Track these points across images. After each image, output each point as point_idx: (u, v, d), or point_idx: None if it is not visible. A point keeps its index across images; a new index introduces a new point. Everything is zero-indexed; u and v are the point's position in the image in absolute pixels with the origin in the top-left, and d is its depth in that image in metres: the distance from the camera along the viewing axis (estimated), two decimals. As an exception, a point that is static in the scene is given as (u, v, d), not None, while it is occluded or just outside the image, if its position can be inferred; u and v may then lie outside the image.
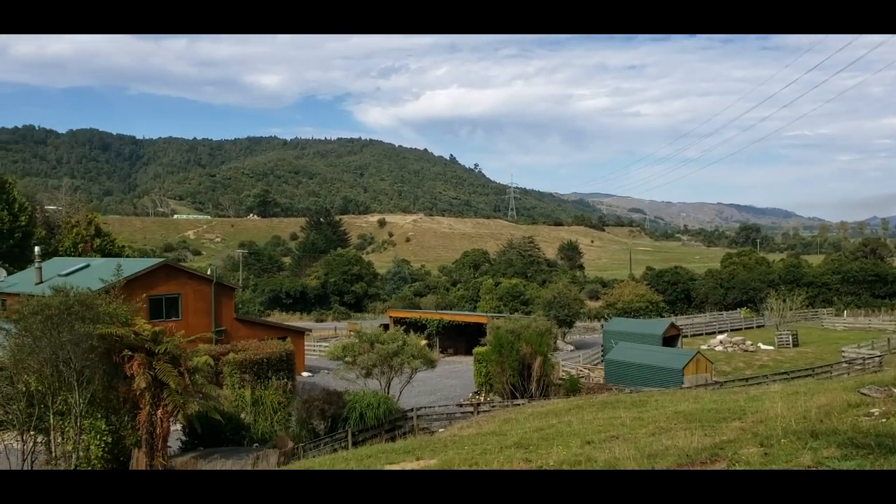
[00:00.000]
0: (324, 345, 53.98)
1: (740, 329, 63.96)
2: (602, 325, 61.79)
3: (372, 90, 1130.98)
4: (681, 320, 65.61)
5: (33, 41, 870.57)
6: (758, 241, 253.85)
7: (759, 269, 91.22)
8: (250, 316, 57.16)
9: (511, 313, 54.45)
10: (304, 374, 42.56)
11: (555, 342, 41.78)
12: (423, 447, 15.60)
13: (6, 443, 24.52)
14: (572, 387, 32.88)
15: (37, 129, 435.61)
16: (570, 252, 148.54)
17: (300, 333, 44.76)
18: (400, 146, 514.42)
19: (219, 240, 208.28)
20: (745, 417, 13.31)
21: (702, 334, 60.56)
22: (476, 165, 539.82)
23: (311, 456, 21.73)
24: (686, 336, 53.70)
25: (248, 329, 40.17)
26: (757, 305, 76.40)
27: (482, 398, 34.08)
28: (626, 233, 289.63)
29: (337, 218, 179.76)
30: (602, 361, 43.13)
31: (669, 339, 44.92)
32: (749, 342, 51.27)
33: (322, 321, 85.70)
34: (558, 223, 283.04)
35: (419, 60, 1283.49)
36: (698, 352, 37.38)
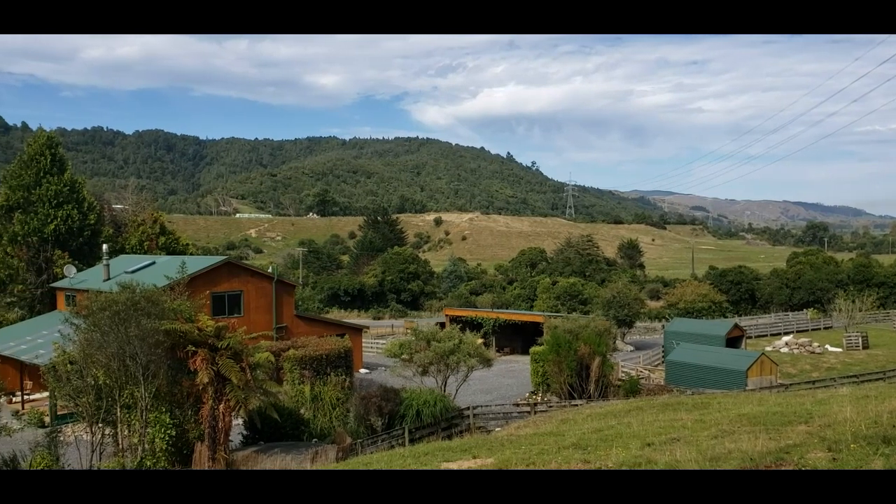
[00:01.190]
0: (381, 342, 54.40)
1: (807, 330, 62.04)
2: (663, 326, 60.81)
3: (429, 89, 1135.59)
4: (745, 321, 64.04)
5: (103, 44, 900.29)
6: (825, 239, 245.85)
7: (826, 269, 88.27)
8: (309, 313, 57.98)
9: (569, 313, 53.91)
10: (362, 370, 42.98)
11: (614, 342, 41.24)
12: (479, 446, 15.54)
13: (76, 434, 25.44)
14: (632, 388, 32.36)
15: (105, 130, 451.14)
16: (630, 251, 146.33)
17: (358, 331, 45.21)
18: (457, 145, 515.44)
19: (279, 238, 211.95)
20: (811, 421, 12.89)
21: (766, 336, 58.98)
22: (533, 163, 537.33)
23: (368, 452, 21.90)
24: (750, 337, 52.37)
25: (307, 326, 40.76)
26: (824, 306, 74.16)
27: (539, 398, 33.85)
28: (688, 231, 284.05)
29: (394, 217, 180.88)
30: (663, 362, 42.44)
31: (733, 341, 43.90)
32: (816, 344, 49.71)
33: (379, 319, 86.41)
34: (618, 221, 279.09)
35: (477, 58, 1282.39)
36: (763, 353, 36.39)
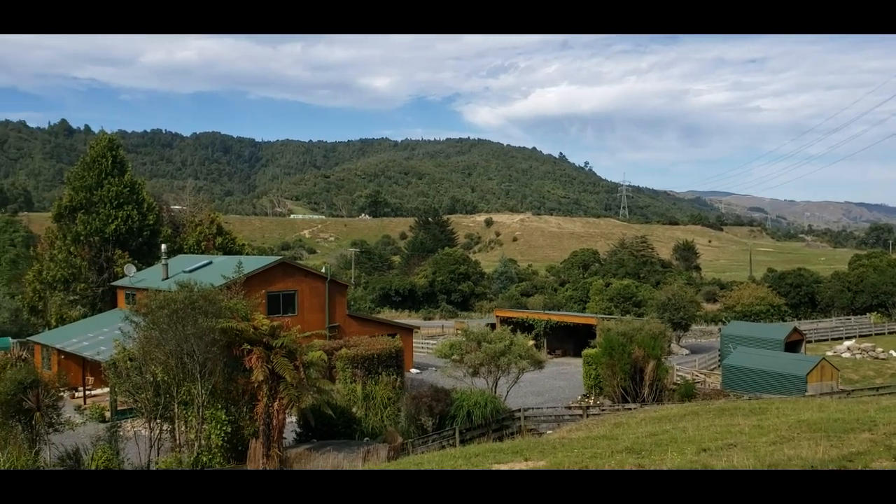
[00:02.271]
0: (431, 342, 54.52)
1: (870, 335, 60.05)
2: (719, 329, 59.60)
3: (481, 90, 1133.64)
4: (804, 325, 62.34)
5: (162, 48, 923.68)
6: (890, 241, 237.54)
7: (891, 272, 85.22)
8: (361, 313, 58.47)
9: (622, 315, 53.21)
10: (413, 370, 43.13)
11: (669, 346, 40.54)
12: (531, 448, 15.43)
13: (135, 429, 26.11)
14: (687, 392, 31.77)
15: (164, 132, 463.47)
16: (686, 252, 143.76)
17: (409, 331, 45.39)
18: (508, 145, 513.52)
19: (332, 239, 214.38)
20: (875, 429, 12.47)
21: (827, 340, 57.32)
22: (586, 163, 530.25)
23: (419, 452, 21.95)
24: (810, 341, 50.98)
25: (359, 325, 41.09)
26: (889, 310, 71.77)
27: (591, 401, 33.50)
28: (745, 232, 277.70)
29: (445, 217, 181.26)
30: (719, 366, 41.62)
31: (792, 345, 42.77)
32: (880, 349, 48.07)
33: (430, 319, 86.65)
34: (673, 222, 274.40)
35: (529, 59, 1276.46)
36: (823, 358, 35.37)
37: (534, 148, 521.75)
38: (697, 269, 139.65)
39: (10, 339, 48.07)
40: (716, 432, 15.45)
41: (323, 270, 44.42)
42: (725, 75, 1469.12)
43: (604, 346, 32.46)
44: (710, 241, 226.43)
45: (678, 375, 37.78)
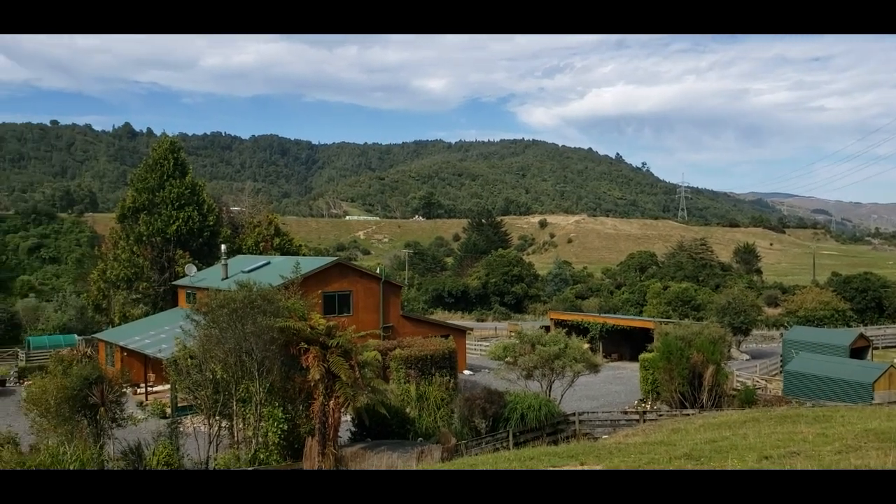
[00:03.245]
0: (484, 344, 54.41)
1: (942, 342, 57.71)
2: (781, 334, 58.08)
3: (535, 90, 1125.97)
4: (871, 331, 60.15)
5: (220, 52, 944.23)
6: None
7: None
8: (415, 314, 58.73)
9: (680, 319, 52.27)
10: (466, 372, 43.11)
11: (728, 351, 39.61)
12: (586, 453, 15.24)
13: (195, 426, 26.68)
14: (747, 398, 30.98)
15: (223, 135, 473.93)
16: (747, 255, 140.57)
17: (462, 332, 45.39)
18: (563, 146, 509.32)
19: (386, 240, 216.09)
20: (951, 440, 11.94)
21: (895, 347, 55.30)
22: (644, 164, 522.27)
23: (472, 453, 21.90)
24: (877, 348, 49.25)
25: (413, 326, 41.27)
26: (963, 317, 68.79)
27: (648, 406, 32.96)
28: (809, 235, 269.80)
29: (498, 219, 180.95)
30: (781, 372, 40.55)
31: (857, 351, 41.36)
32: (953, 357, 46.09)
33: (482, 321, 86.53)
34: (733, 224, 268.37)
35: (584, 59, 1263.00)
36: (892, 365, 34.05)
37: (590, 148, 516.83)
38: (758, 272, 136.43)
39: (76, 336, 49.71)
40: (778, 440, 15.04)
41: (377, 271, 44.74)
42: (787, 74, 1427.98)
43: (661, 351, 31.89)
44: (771, 244, 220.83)
45: (738, 381, 36.91)
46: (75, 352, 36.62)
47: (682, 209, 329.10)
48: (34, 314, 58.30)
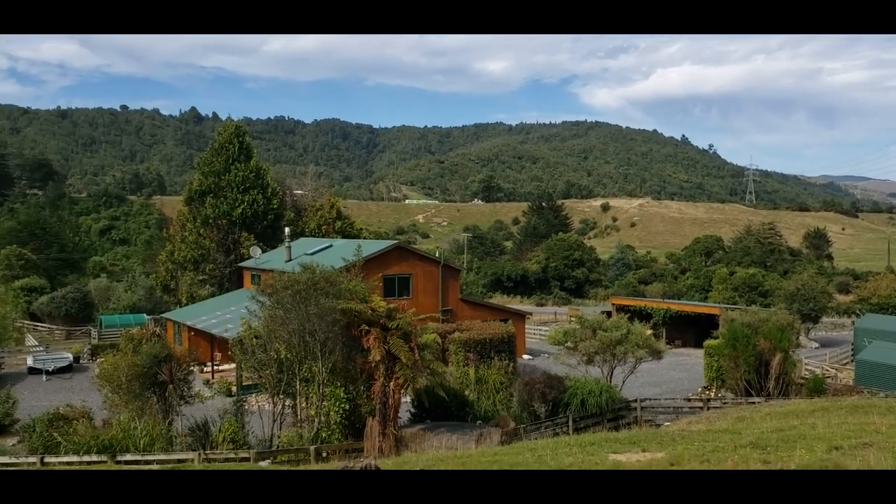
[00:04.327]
0: (543, 329, 54.13)
1: None
2: (853, 322, 56.20)
3: (599, 71, 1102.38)
4: (950, 320, 57.67)
5: (283, 37, 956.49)
6: None
7: None
8: (473, 297, 58.75)
9: (747, 305, 50.97)
10: (525, 356, 42.98)
11: (797, 338, 38.50)
12: (648, 439, 15.02)
13: (259, 404, 27.31)
14: (816, 387, 30.07)
15: (286, 119, 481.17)
16: (817, 240, 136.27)
17: (521, 316, 45.21)
18: (627, 128, 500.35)
19: (445, 223, 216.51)
20: None
21: (977, 337, 52.83)
22: (710, 146, 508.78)
23: (532, 438, 21.83)
24: (957, 338, 47.06)
25: (471, 310, 41.29)
26: None
27: (712, 394, 32.33)
28: (884, 220, 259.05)
29: (559, 202, 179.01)
30: (852, 361, 39.25)
31: (936, 341, 39.64)
32: None
33: (542, 305, 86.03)
34: (803, 208, 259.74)
35: (649, 38, 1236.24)
36: (973, 356, 32.57)
37: (654, 130, 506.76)
38: (829, 257, 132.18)
39: (145, 315, 51.29)
40: (848, 430, 14.57)
41: (436, 255, 44.91)
42: (863, 52, 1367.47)
43: (727, 338, 31.16)
44: (843, 229, 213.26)
45: (806, 370, 35.87)
46: (145, 331, 37.92)
47: (750, 192, 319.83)
48: (105, 294, 60.39)
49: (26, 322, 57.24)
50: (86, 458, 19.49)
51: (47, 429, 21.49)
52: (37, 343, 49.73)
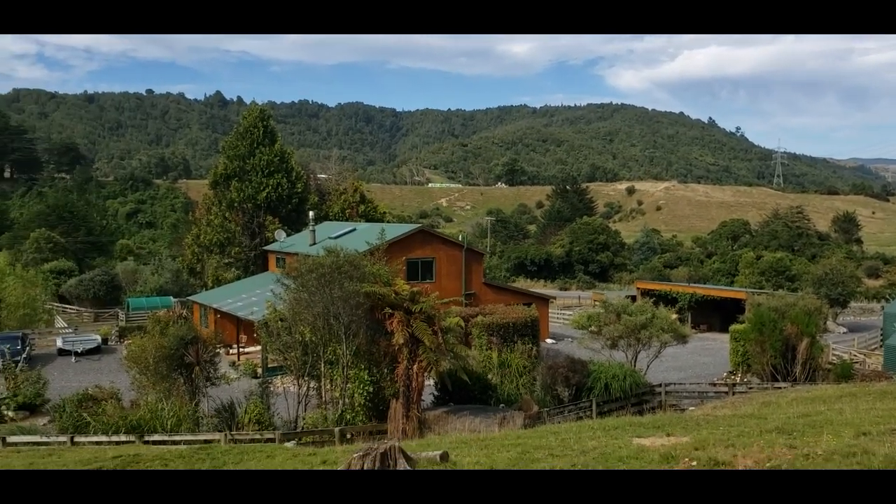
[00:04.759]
0: (567, 313, 53.97)
1: None
2: (882, 307, 55.41)
3: (625, 52, 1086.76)
4: (983, 305, 56.69)
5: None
6: None
7: None
8: (497, 281, 58.71)
9: (774, 290, 50.45)
10: (548, 340, 42.92)
11: (824, 323, 38.07)
12: (673, 424, 14.92)
13: (284, 386, 27.56)
14: (844, 373, 29.71)
15: (310, 103, 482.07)
16: (846, 224, 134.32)
17: (544, 300, 45.10)
18: (653, 110, 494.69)
19: (468, 207, 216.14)
20: None
21: None
22: (738, 129, 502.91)
23: (555, 422, 21.82)
24: None
25: (495, 294, 41.26)
26: None
27: (738, 378, 32.08)
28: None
29: (583, 186, 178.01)
30: (881, 347, 38.71)
31: (968, 326, 38.96)
32: None
33: (566, 290, 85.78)
34: (832, 192, 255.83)
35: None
36: None
37: (681, 112, 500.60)
38: (859, 242, 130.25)
39: (171, 298, 51.87)
40: (877, 416, 14.35)
41: (459, 238, 44.83)
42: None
43: (753, 322, 30.86)
44: (873, 213, 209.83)
45: (834, 355, 35.44)
46: (171, 313, 38.42)
47: (778, 175, 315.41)
48: (132, 277, 61.18)
49: (55, 304, 58.24)
50: (114, 438, 19.81)
51: (77, 409, 21.86)
52: (66, 325, 50.59)
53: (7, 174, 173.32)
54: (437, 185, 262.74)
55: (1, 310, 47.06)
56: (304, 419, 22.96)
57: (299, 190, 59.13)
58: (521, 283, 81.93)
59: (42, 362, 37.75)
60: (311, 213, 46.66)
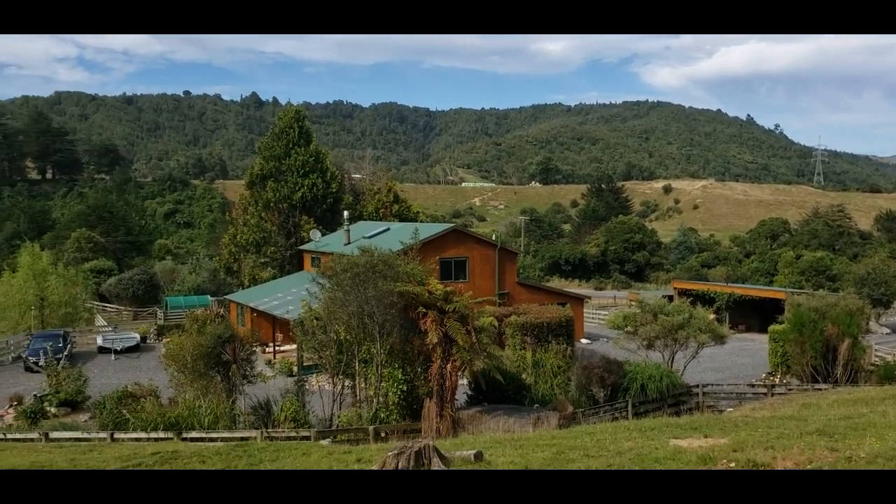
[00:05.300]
0: (602, 313, 53.53)
1: None
2: (927, 307, 54.12)
3: (661, 49, 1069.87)
4: None
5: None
6: None
7: None
8: (531, 281, 58.46)
9: (814, 289, 49.49)
10: (583, 340, 42.61)
11: (866, 324, 37.22)
12: (711, 425, 14.71)
13: (319, 384, 27.75)
14: (887, 374, 29.02)
15: (345, 103, 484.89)
16: (890, 223, 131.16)
17: (579, 300, 44.79)
18: (690, 107, 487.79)
19: (502, 206, 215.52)
20: None
21: None
22: (777, 126, 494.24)
23: (591, 422, 21.65)
24: None
25: (528, 293, 41.07)
26: None
27: (777, 379, 31.52)
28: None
29: (619, 184, 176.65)
30: (926, 348, 37.69)
31: None
32: None
33: (601, 289, 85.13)
34: (875, 190, 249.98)
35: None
36: None
37: (718, 110, 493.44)
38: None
39: (209, 296, 52.55)
40: (922, 419, 13.98)
41: (493, 238, 44.74)
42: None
43: (793, 323, 30.30)
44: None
45: (877, 356, 34.63)
46: (209, 312, 38.86)
47: (818, 174, 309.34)
48: (171, 276, 62.11)
49: (96, 303, 59.39)
50: (153, 435, 20.13)
51: (117, 406, 22.25)
52: (105, 323, 51.55)
53: (49, 175, 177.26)
54: (471, 184, 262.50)
55: (44, 308, 48.09)
56: (338, 417, 23.09)
57: (334, 190, 59.53)
58: (556, 283, 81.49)
59: (83, 360, 38.52)
60: (345, 213, 46.91)
